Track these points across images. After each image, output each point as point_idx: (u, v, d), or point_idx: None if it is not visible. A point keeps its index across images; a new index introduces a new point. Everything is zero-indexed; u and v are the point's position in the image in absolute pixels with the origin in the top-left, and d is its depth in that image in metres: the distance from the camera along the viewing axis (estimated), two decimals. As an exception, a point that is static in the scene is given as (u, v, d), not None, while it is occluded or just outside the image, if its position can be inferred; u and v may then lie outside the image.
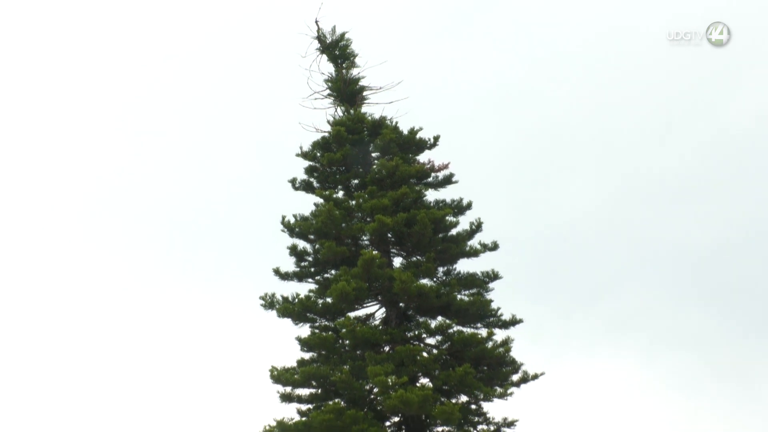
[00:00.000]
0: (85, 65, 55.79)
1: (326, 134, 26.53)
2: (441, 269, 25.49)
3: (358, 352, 23.82)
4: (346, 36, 27.31)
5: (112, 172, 54.21)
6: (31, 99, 55.75)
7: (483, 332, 24.05)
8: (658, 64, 50.91)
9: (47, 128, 55.19)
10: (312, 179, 26.56)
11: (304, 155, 26.57)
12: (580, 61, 55.29)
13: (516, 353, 24.30)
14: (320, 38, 27.32)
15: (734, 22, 33.57)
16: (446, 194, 26.15)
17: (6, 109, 54.74)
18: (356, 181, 26.26)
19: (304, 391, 24.27)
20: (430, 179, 26.17)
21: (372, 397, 23.49)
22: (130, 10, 55.55)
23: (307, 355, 24.52)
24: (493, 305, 24.91)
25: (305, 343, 24.37)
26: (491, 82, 53.95)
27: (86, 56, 55.70)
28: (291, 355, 24.70)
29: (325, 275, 25.51)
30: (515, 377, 24.27)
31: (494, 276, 25.43)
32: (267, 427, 23.44)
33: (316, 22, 27.28)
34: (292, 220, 25.58)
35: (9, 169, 53.91)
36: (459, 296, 24.66)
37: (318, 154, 26.40)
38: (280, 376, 24.01)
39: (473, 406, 24.21)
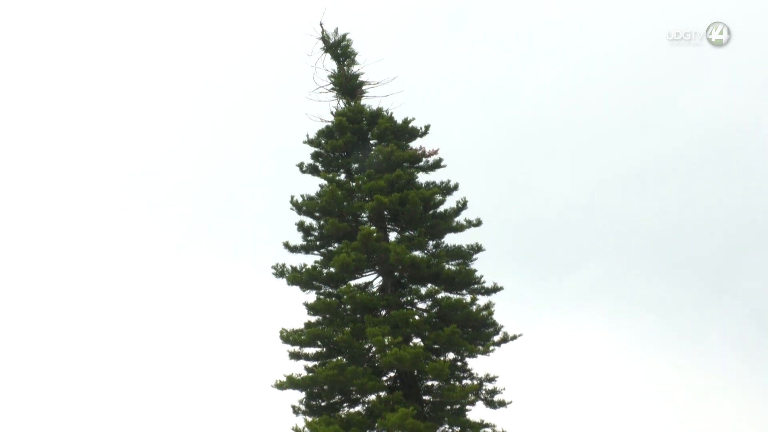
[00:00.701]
0: (126, 75, 55.96)
1: (330, 124, 26.57)
2: (431, 242, 25.62)
3: (358, 316, 24.00)
4: (347, 37, 27.32)
5: (149, 162, 54.39)
6: (82, 104, 56.00)
7: (468, 298, 24.31)
8: (658, 63, 49.16)
9: (100, 127, 55.47)
10: (317, 163, 26.61)
11: (310, 142, 26.62)
12: (580, 60, 54.09)
13: (497, 316, 24.56)
14: (324, 39, 27.33)
15: (734, 22, 31.95)
16: (436, 176, 26.32)
17: (57, 112, 54.79)
18: (356, 165, 26.25)
19: (310, 350, 24.47)
20: (422, 163, 26.20)
21: (370, 355, 23.70)
22: (161, 20, 55.63)
23: (313, 318, 24.66)
24: (477, 274, 25.08)
25: (311, 308, 24.49)
26: (481, 78, 53.47)
27: (125, 67, 55.85)
28: (299, 319, 24.89)
29: (329, 248, 25.63)
30: (496, 338, 24.45)
31: (478, 248, 25.55)
32: (278, 382, 23.63)
33: (321, 24, 27.38)
34: (300, 200, 25.67)
35: (72, 158, 54.26)
36: (447, 266, 24.79)
37: (322, 141, 26.45)
38: (289, 337, 24.16)
39: (459, 363, 24.49)
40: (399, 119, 26.29)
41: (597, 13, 52.74)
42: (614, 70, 53.53)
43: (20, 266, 47.45)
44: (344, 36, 27.26)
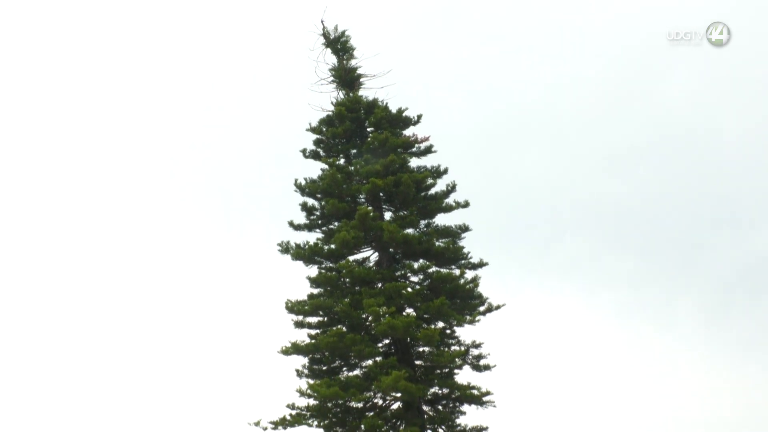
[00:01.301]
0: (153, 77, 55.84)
1: (330, 113, 26.55)
2: (422, 222, 25.63)
3: (356, 288, 24.13)
4: (346, 33, 27.25)
5: (172, 152, 54.55)
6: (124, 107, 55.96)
7: (456, 272, 24.37)
8: (658, 63, 47.47)
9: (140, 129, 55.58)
10: (319, 149, 26.61)
11: (313, 130, 26.61)
12: (579, 59, 52.29)
13: (482, 289, 24.64)
14: (325, 35, 27.26)
15: (734, 22, 29.50)
16: (427, 161, 26.25)
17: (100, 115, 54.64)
18: (354, 151, 26.29)
19: (313, 319, 24.60)
20: (414, 149, 26.13)
21: (367, 323, 23.77)
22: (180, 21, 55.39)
23: (315, 291, 24.76)
24: (465, 250, 25.10)
25: (314, 281, 24.62)
26: (477, 73, 52.82)
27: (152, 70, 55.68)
28: (302, 291, 25.00)
29: (330, 226, 25.67)
30: (482, 308, 24.50)
31: (465, 228, 25.54)
32: (283, 348, 23.84)
33: (322, 21, 27.31)
34: (303, 182, 25.72)
35: (117, 154, 54.42)
36: (437, 243, 24.88)
37: (324, 129, 26.43)
38: (293, 308, 24.30)
39: (448, 331, 24.58)
40: (393, 109, 26.27)
41: (597, 13, 50.86)
42: (614, 70, 52.29)
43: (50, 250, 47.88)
44: (343, 32, 27.21)
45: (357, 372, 24.03)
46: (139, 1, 55.34)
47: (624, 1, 49.75)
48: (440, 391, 23.93)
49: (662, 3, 45.28)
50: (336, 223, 25.32)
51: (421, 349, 24.28)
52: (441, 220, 25.76)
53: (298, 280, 25.20)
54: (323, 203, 25.38)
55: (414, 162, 26.08)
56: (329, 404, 23.02)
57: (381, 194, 25.13)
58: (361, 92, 26.90)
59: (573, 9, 51.21)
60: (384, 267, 24.67)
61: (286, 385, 24.38)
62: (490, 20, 52.69)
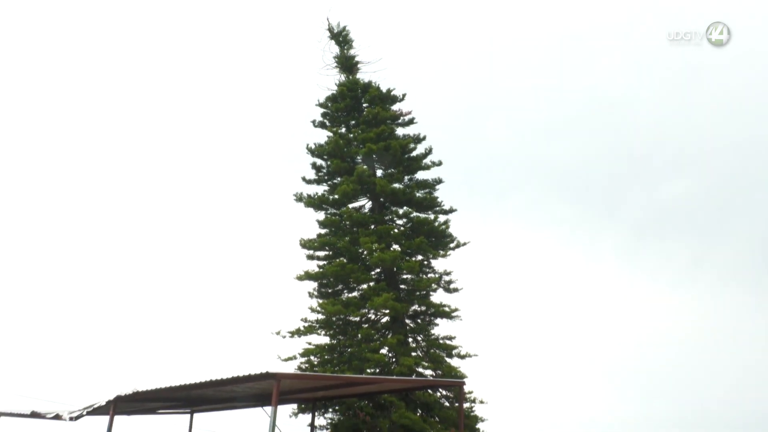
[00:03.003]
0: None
1: (334, 92, 27.05)
2: (406, 177, 26.29)
3: (354, 229, 24.94)
4: (347, 28, 27.54)
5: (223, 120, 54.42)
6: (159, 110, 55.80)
7: (432, 217, 25.17)
8: (658, 63, 43.43)
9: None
10: (325, 120, 27.16)
11: (320, 105, 27.18)
12: (578, 58, 50.03)
13: (452, 230, 25.40)
14: (330, 29, 27.46)
15: (734, 22, 25.27)
16: (410, 130, 26.91)
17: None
18: (353, 122, 26.77)
19: (321, 253, 25.46)
20: (400, 121, 26.73)
21: (363, 256, 24.60)
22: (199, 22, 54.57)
23: (322, 231, 25.57)
24: (439, 200, 25.79)
25: (322, 224, 25.47)
26: (448, 58, 52.63)
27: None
28: (312, 231, 25.79)
29: (334, 181, 26.31)
30: (452, 245, 25.22)
31: (439, 181, 26.26)
32: (299, 275, 24.69)
33: (327, 19, 27.55)
34: (313, 147, 26.27)
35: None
36: (417, 194, 25.65)
37: (329, 104, 27.00)
38: (306, 244, 25.13)
39: (425, 262, 25.31)
40: (384, 89, 26.81)
41: (597, 12, 47.66)
42: (614, 69, 49.72)
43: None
44: (344, 27, 27.61)
45: (355, 294, 24.78)
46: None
47: (624, 2, 45.31)
48: (419, 308, 24.73)
49: (662, 3, 40.39)
50: (339, 179, 25.96)
51: (404, 276, 25.05)
52: (420, 175, 26.45)
53: (309, 224, 25.76)
54: (329, 163, 26.02)
55: (400, 131, 26.76)
56: (334, 318, 23.97)
57: (374, 156, 25.73)
58: (359, 75, 27.41)
59: (572, 8, 48.90)
60: (376, 213, 25.50)
61: (300, 304, 25.47)
62: (484, 18, 51.90)
